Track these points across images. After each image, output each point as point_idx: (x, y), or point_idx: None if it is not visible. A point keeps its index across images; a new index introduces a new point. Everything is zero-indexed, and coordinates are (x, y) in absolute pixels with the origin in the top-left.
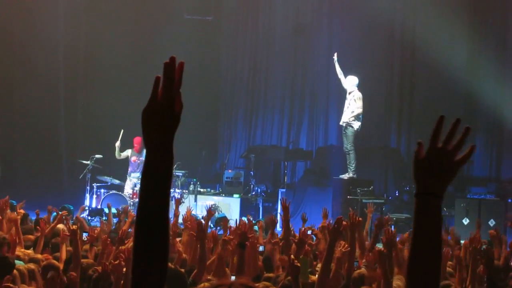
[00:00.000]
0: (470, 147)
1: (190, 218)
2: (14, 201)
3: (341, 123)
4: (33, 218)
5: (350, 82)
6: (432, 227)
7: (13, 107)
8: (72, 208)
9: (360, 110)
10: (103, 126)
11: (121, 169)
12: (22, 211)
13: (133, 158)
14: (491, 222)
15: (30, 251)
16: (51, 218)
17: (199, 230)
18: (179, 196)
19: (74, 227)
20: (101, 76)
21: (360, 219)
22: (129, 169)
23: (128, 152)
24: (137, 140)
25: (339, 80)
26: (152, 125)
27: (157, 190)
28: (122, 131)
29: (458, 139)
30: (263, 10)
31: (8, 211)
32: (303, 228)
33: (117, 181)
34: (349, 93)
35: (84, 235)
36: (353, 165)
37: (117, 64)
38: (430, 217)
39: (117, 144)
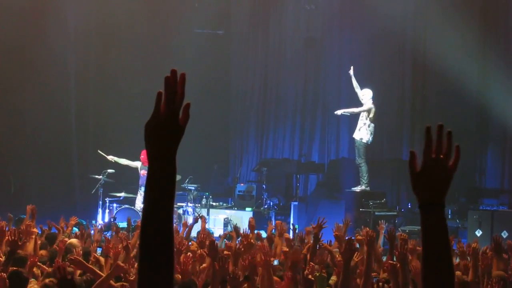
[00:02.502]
0: (456, 150)
1: (204, 235)
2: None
3: (353, 135)
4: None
5: (366, 96)
6: (439, 234)
7: (25, 124)
8: (84, 223)
9: (369, 122)
10: (114, 141)
11: (133, 184)
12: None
13: (143, 172)
14: (504, 234)
15: (44, 266)
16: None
17: (211, 249)
18: (196, 214)
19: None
20: (113, 92)
21: (374, 234)
22: (139, 182)
23: (137, 164)
24: (144, 153)
25: (352, 92)
26: (155, 138)
27: (161, 202)
28: (98, 151)
29: (446, 146)
30: (273, 23)
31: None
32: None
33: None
34: (363, 106)
35: (99, 250)
36: (365, 177)
37: (128, 79)
38: (436, 226)
39: (110, 158)
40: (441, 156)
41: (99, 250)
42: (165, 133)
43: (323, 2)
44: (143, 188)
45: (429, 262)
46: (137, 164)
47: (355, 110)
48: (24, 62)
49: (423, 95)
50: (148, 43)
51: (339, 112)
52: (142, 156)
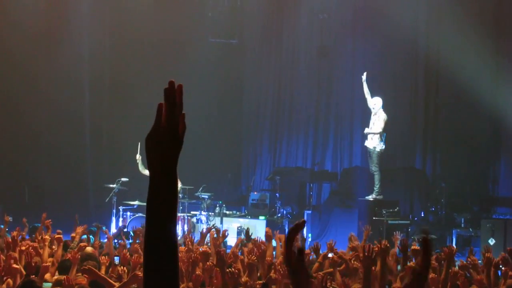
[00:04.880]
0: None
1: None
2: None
3: (365, 144)
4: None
5: (377, 105)
6: None
7: (40, 134)
8: (95, 230)
9: (380, 130)
10: (128, 151)
11: (147, 192)
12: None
13: None
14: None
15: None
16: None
17: (218, 259)
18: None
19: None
20: (126, 101)
21: (388, 245)
22: None
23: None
24: None
25: (364, 100)
26: (156, 151)
27: (163, 213)
28: (139, 143)
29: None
30: (286, 32)
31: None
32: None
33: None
34: (374, 114)
35: (116, 259)
36: (377, 186)
37: (141, 88)
38: None
39: (138, 156)
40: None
41: (116, 259)
42: (166, 146)
43: (336, 11)
44: None
45: None
46: None
47: (378, 130)
48: (38, 76)
49: (436, 103)
50: (162, 52)
51: (366, 131)
52: None
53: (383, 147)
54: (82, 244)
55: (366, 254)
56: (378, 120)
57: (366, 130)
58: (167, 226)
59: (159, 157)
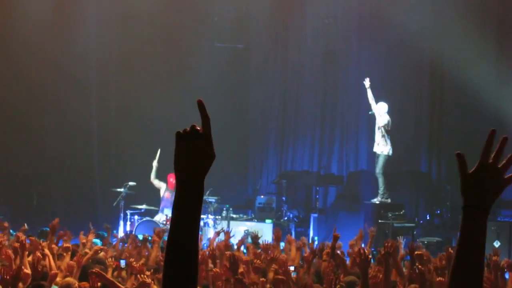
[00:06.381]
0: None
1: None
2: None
3: (374, 150)
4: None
5: (381, 109)
6: (478, 239)
7: (48, 139)
8: (106, 235)
9: (386, 134)
10: (135, 155)
11: (155, 196)
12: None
13: (167, 194)
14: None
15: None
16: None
17: (232, 263)
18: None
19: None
20: (133, 106)
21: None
22: (162, 205)
23: (161, 185)
24: (173, 177)
25: (369, 105)
26: (188, 162)
27: (187, 224)
28: (159, 150)
29: (507, 159)
30: (292, 38)
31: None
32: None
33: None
34: (378, 119)
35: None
36: (381, 189)
37: (148, 93)
38: (477, 230)
39: (155, 163)
40: (498, 165)
41: (122, 262)
42: (199, 158)
43: (341, 16)
44: (166, 210)
45: (461, 264)
46: (161, 185)
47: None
48: (45, 83)
49: (441, 107)
50: (168, 57)
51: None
52: (171, 179)
53: (391, 152)
54: (97, 247)
55: (362, 257)
56: (383, 126)
57: (376, 146)
58: (190, 235)
59: (189, 169)
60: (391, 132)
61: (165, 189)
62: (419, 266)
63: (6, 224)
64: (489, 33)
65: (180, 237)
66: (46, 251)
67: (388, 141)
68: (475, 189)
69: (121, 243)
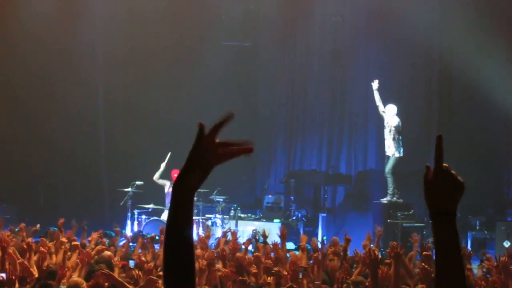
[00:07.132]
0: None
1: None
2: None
3: (387, 153)
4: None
5: (390, 112)
6: (451, 243)
7: (56, 138)
8: (114, 235)
9: (397, 136)
10: (142, 155)
11: (162, 195)
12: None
13: (171, 190)
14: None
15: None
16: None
17: (238, 267)
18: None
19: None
20: (140, 105)
21: (402, 250)
22: (167, 201)
23: (165, 183)
24: (177, 173)
25: (377, 107)
26: (203, 162)
27: (184, 218)
28: (169, 154)
29: (436, 148)
30: (300, 36)
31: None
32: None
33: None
34: (388, 121)
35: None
36: (391, 188)
37: (155, 92)
38: (448, 235)
39: (163, 165)
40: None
41: (131, 263)
42: (207, 165)
43: (349, 14)
44: None
45: (442, 270)
46: (166, 182)
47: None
48: (54, 82)
49: (450, 106)
50: (175, 55)
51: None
52: (175, 175)
53: (402, 154)
54: (99, 247)
55: (372, 258)
56: (393, 127)
57: (388, 148)
58: (184, 229)
59: (198, 175)
60: (402, 132)
61: (169, 186)
62: (425, 266)
63: (22, 225)
64: (498, 30)
65: (175, 232)
66: (54, 250)
67: (400, 143)
68: (437, 196)
69: (131, 243)
